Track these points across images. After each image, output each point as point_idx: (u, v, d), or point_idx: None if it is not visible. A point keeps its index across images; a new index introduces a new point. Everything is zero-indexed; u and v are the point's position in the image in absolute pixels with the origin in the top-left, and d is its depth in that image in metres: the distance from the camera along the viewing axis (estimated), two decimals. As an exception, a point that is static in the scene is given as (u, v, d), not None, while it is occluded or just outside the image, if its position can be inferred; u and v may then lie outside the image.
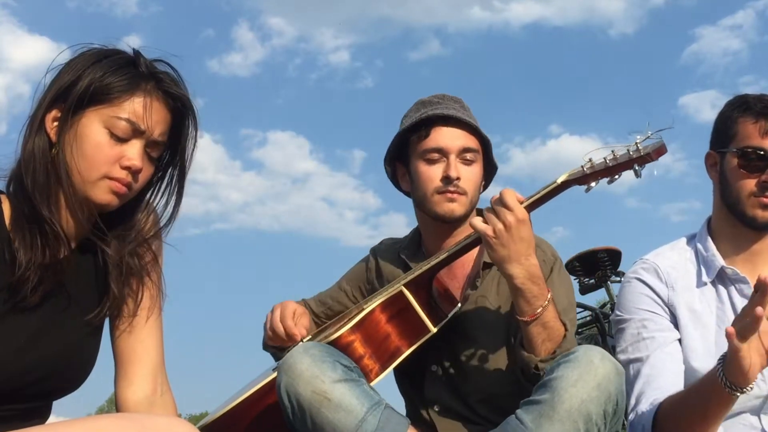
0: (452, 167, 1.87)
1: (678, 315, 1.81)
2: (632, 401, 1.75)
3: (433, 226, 1.96)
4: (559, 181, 1.66)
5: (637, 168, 1.59)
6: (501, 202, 1.64)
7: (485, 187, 2.02)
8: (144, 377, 1.49)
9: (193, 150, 1.45)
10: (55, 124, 1.33)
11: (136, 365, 1.49)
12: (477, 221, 1.67)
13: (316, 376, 1.54)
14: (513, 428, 1.52)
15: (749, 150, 1.75)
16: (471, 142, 1.92)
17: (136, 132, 1.34)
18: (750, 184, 1.75)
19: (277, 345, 1.94)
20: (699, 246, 1.88)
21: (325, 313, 2.10)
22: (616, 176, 1.62)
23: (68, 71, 1.34)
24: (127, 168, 1.34)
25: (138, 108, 1.34)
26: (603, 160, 1.61)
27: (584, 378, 1.48)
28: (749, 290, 1.78)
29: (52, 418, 1.42)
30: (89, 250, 1.43)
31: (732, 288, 1.81)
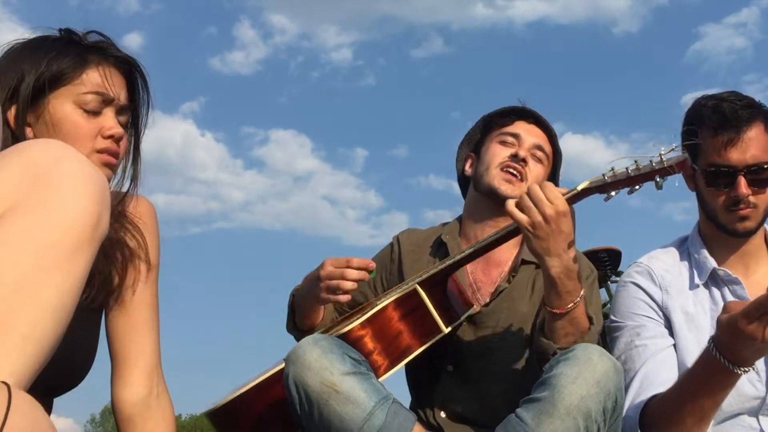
0: (523, 149, 1.96)
1: (672, 318, 1.81)
2: (624, 409, 1.72)
3: (483, 207, 1.99)
4: (580, 188, 1.64)
5: (658, 180, 1.56)
6: (542, 193, 1.60)
7: None
8: (139, 378, 1.49)
9: (148, 111, 1.49)
10: (15, 120, 1.35)
11: (132, 366, 1.49)
12: (514, 209, 1.63)
13: (326, 367, 1.52)
14: (513, 426, 1.51)
15: (713, 169, 1.74)
16: (545, 144, 2.02)
17: (106, 101, 1.38)
18: (721, 200, 1.75)
19: (311, 324, 1.93)
20: (691, 250, 1.88)
21: (348, 303, 2.06)
22: (637, 186, 1.60)
23: (6, 73, 1.35)
24: (110, 137, 1.37)
25: (97, 78, 1.38)
26: (625, 170, 1.59)
27: (583, 375, 1.48)
28: (742, 291, 1.79)
29: (53, 417, 1.43)
30: None
31: (725, 289, 1.81)
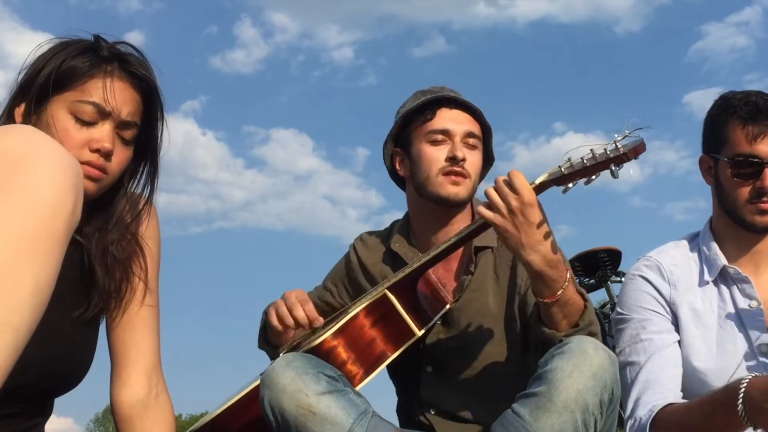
0: (458, 148, 1.87)
1: (679, 314, 1.80)
2: (629, 406, 1.73)
3: (431, 212, 1.94)
4: (537, 182, 1.61)
5: (614, 168, 1.53)
6: (507, 185, 1.57)
7: (481, 178, 1.99)
8: (138, 379, 1.48)
9: (162, 131, 1.44)
10: (21, 119, 1.32)
11: (131, 367, 1.48)
12: (484, 210, 1.60)
13: (300, 389, 1.51)
14: (510, 422, 1.51)
15: (740, 159, 1.73)
16: (474, 127, 1.93)
17: (103, 114, 1.33)
18: (745, 191, 1.74)
19: (281, 341, 1.89)
20: (702, 245, 1.87)
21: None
22: (593, 177, 1.57)
23: (32, 65, 1.34)
24: (97, 150, 1.32)
25: (99, 90, 1.33)
26: (581, 160, 1.56)
27: (579, 368, 1.47)
28: (751, 290, 1.78)
29: (53, 417, 1.43)
30: (73, 245, 1.42)
31: (734, 288, 1.80)
